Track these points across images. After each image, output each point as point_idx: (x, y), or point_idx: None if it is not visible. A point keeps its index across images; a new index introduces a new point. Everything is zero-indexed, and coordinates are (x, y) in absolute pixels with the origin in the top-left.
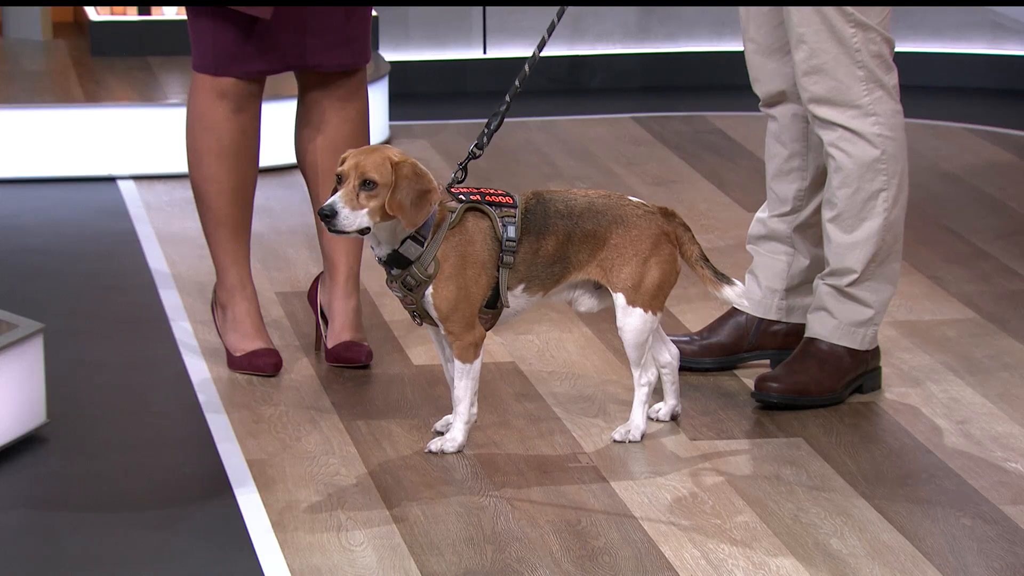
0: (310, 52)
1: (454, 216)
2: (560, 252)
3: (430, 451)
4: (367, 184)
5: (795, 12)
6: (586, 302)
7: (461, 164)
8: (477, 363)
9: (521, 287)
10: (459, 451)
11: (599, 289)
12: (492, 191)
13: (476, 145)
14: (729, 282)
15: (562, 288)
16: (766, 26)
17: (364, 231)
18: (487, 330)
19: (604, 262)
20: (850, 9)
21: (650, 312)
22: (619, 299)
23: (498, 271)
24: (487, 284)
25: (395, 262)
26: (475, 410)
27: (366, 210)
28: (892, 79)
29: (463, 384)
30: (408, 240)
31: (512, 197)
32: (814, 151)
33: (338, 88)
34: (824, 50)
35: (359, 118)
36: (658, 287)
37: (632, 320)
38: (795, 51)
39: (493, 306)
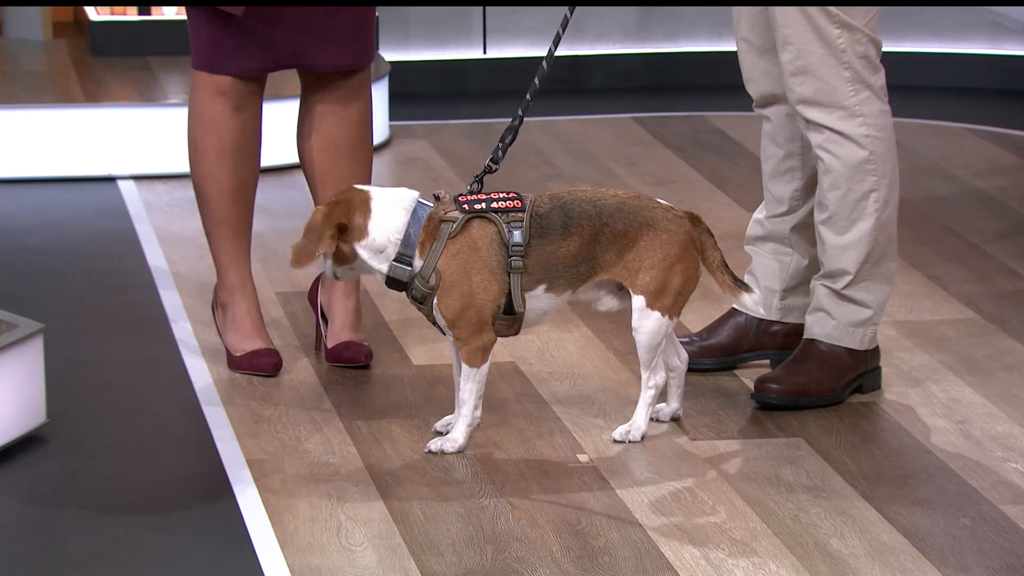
0: (306, 51)
1: (455, 226)
2: (586, 252)
3: (430, 451)
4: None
5: (780, 13)
6: (607, 302)
7: (477, 177)
8: (484, 368)
9: (542, 288)
10: (459, 452)
11: (622, 290)
12: (502, 195)
13: (492, 159)
14: (747, 289)
15: (589, 287)
16: (759, 26)
17: (337, 274)
18: (513, 335)
19: (630, 263)
20: (834, 10)
21: (667, 316)
22: (638, 301)
23: (509, 276)
24: (498, 290)
25: (393, 285)
26: (478, 413)
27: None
28: (879, 80)
29: (468, 387)
30: (393, 264)
31: (522, 200)
32: (809, 151)
33: (339, 88)
34: (810, 51)
35: (360, 119)
36: (679, 293)
37: (649, 323)
38: (781, 52)
39: (512, 311)
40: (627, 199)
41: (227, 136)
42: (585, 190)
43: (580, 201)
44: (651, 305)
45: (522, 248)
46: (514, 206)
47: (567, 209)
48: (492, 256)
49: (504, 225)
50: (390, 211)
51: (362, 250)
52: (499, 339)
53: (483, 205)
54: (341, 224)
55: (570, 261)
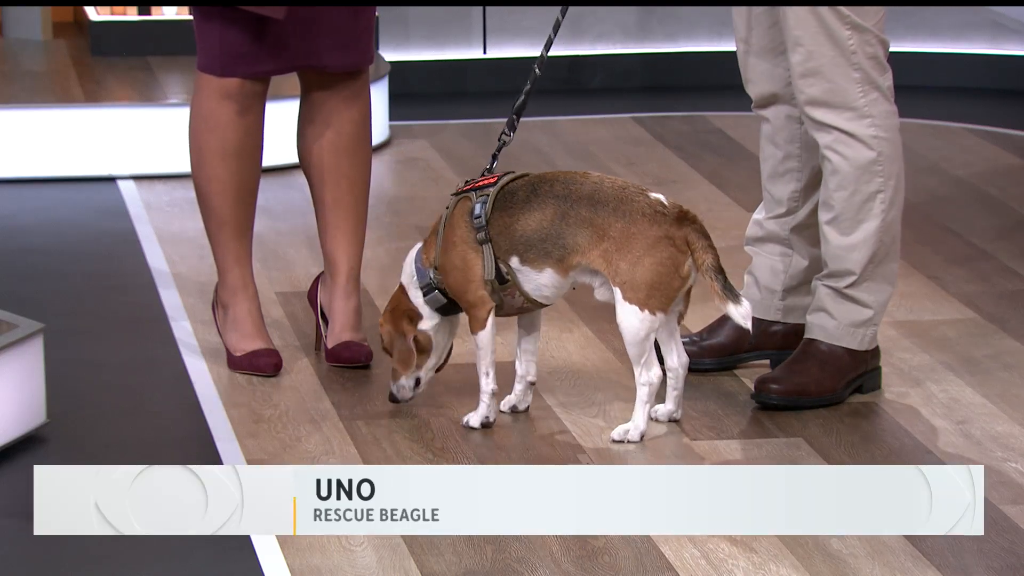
0: (317, 52)
1: (447, 212)
2: (550, 230)
3: (468, 425)
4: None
5: (791, 14)
6: (602, 293)
7: (494, 153)
8: (482, 334)
9: (516, 260)
10: (483, 424)
11: None
12: (494, 175)
13: (504, 132)
14: (735, 299)
15: (578, 271)
16: (759, 27)
17: (418, 382)
18: (528, 309)
19: (606, 253)
20: (845, 11)
21: (647, 311)
22: (617, 293)
23: (482, 247)
24: (477, 260)
25: (448, 310)
26: (489, 380)
27: (406, 375)
28: (887, 80)
29: (476, 355)
30: (427, 300)
31: (499, 177)
32: (808, 152)
33: (342, 89)
34: (820, 52)
35: (362, 119)
36: (652, 287)
37: (627, 316)
38: (791, 53)
39: (504, 280)
40: (607, 187)
41: (232, 138)
42: (573, 173)
43: (555, 181)
44: (627, 298)
45: (482, 219)
46: (491, 182)
47: (537, 187)
48: (464, 230)
49: (474, 200)
50: (406, 273)
51: (425, 323)
52: (499, 339)
53: (471, 186)
54: (408, 315)
55: (532, 236)
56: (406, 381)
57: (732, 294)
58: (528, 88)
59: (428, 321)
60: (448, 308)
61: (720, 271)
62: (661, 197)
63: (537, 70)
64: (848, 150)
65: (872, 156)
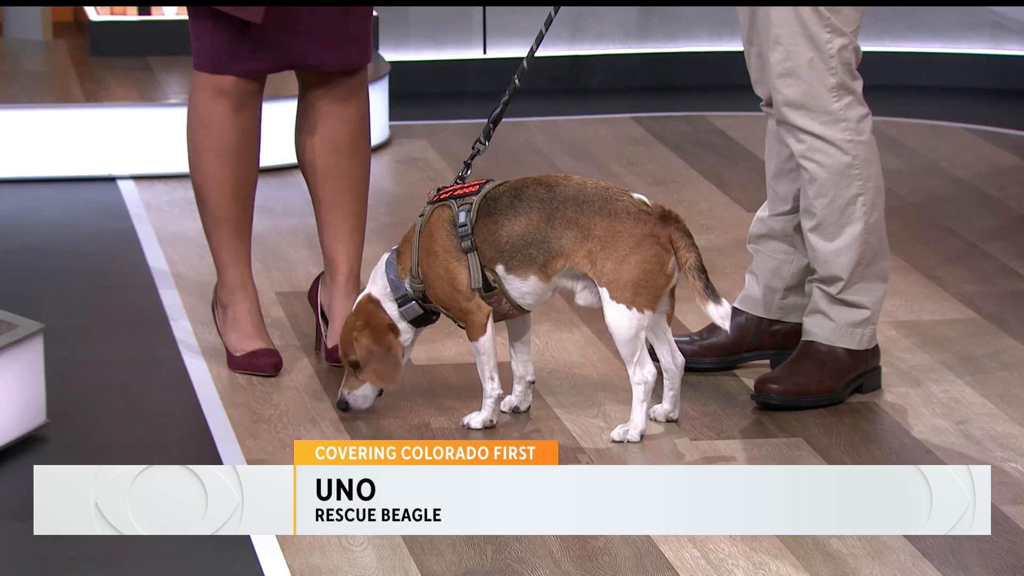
0: (310, 51)
1: (422, 220)
2: (535, 234)
3: (468, 426)
4: (354, 364)
5: (773, 13)
6: (585, 296)
7: (466, 161)
8: (483, 340)
9: (501, 267)
10: (485, 426)
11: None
12: (473, 183)
13: (479, 140)
14: (715, 299)
15: (562, 276)
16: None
17: (381, 393)
18: (516, 313)
19: (591, 254)
20: (825, 12)
21: (634, 309)
22: (603, 292)
23: (467, 255)
24: (461, 268)
25: (422, 321)
26: (496, 384)
27: (366, 384)
28: (858, 86)
29: (478, 363)
30: (402, 312)
31: (481, 185)
32: None
33: (339, 88)
34: (799, 53)
35: (360, 118)
36: (638, 285)
37: (615, 315)
38: (771, 52)
39: (490, 288)
40: (590, 188)
41: (228, 137)
42: (555, 176)
43: (538, 185)
44: (614, 297)
45: (467, 227)
46: (472, 190)
47: (520, 192)
48: (445, 238)
49: (456, 209)
50: (379, 285)
51: (402, 335)
52: (500, 339)
53: (449, 194)
54: (391, 328)
55: (517, 241)
56: (370, 391)
57: (713, 294)
58: (506, 99)
59: (404, 334)
60: (421, 319)
61: (702, 270)
62: (643, 197)
63: (525, 64)
64: (823, 157)
65: (848, 160)
